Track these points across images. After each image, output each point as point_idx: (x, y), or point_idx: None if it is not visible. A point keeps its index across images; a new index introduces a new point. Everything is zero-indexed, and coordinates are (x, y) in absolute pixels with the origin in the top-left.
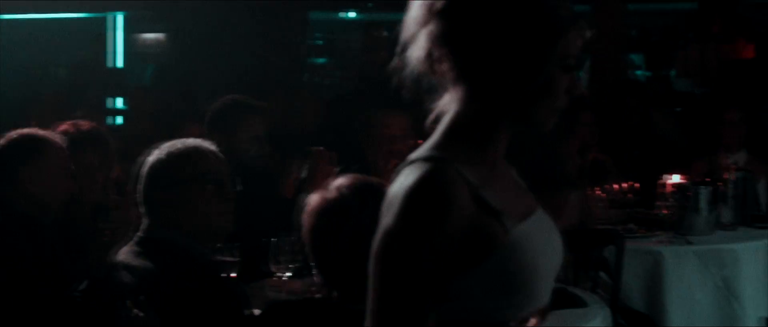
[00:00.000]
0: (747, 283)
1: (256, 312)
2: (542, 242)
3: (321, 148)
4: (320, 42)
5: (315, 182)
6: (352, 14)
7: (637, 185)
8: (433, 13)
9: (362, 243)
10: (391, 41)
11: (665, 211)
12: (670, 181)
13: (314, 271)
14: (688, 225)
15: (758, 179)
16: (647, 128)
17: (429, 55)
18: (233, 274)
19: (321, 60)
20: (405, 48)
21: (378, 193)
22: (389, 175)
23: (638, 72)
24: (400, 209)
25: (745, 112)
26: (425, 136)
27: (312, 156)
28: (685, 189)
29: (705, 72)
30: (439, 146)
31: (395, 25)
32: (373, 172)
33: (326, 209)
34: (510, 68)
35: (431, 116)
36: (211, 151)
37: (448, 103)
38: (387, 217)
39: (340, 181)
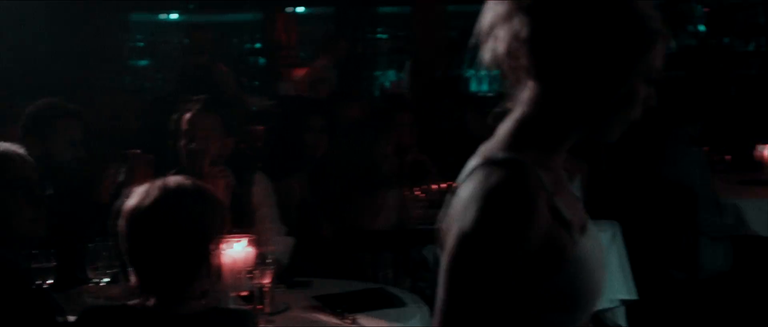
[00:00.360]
0: None
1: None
2: (597, 255)
3: (138, 151)
4: (141, 44)
5: (132, 186)
6: (173, 16)
7: (455, 185)
8: (519, 8)
9: (177, 246)
10: (213, 43)
11: None
12: None
13: (131, 276)
14: None
15: (574, 177)
16: (462, 129)
17: (509, 52)
18: (50, 281)
19: (142, 62)
20: (480, 42)
21: (193, 196)
22: (206, 178)
23: (460, 72)
24: (480, 212)
25: None
26: (238, 137)
27: (129, 159)
28: None
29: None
30: (510, 147)
31: (218, 27)
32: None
33: (141, 213)
34: (595, 75)
35: (492, 114)
36: (19, 156)
37: (516, 103)
38: (464, 219)
39: (156, 184)
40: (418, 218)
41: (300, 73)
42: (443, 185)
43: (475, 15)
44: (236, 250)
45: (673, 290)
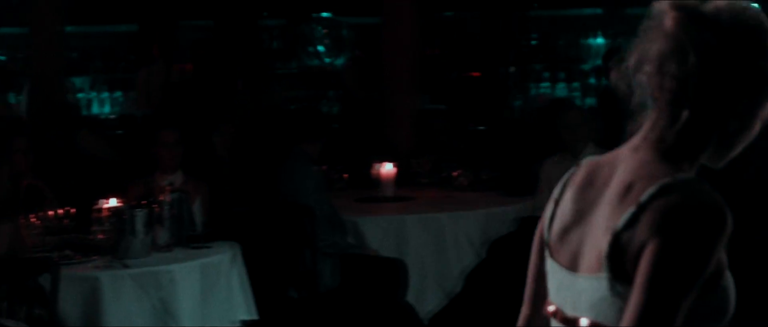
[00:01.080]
0: (184, 303)
1: None
2: None
3: None
4: None
5: None
6: None
7: (73, 210)
8: (694, 48)
9: None
10: None
11: (101, 236)
12: (106, 206)
13: None
14: (125, 249)
15: (194, 199)
16: (77, 153)
17: (664, 83)
18: None
19: None
20: (639, 61)
21: None
22: None
23: (80, 94)
24: (688, 228)
25: (182, 133)
26: None
27: None
28: (121, 213)
29: (147, 94)
30: (679, 169)
31: None
32: None
33: None
34: (740, 112)
35: (631, 130)
36: None
37: (652, 125)
38: (671, 235)
39: None
40: (33, 245)
41: None
42: (60, 211)
43: (95, 36)
44: None
45: (290, 308)
